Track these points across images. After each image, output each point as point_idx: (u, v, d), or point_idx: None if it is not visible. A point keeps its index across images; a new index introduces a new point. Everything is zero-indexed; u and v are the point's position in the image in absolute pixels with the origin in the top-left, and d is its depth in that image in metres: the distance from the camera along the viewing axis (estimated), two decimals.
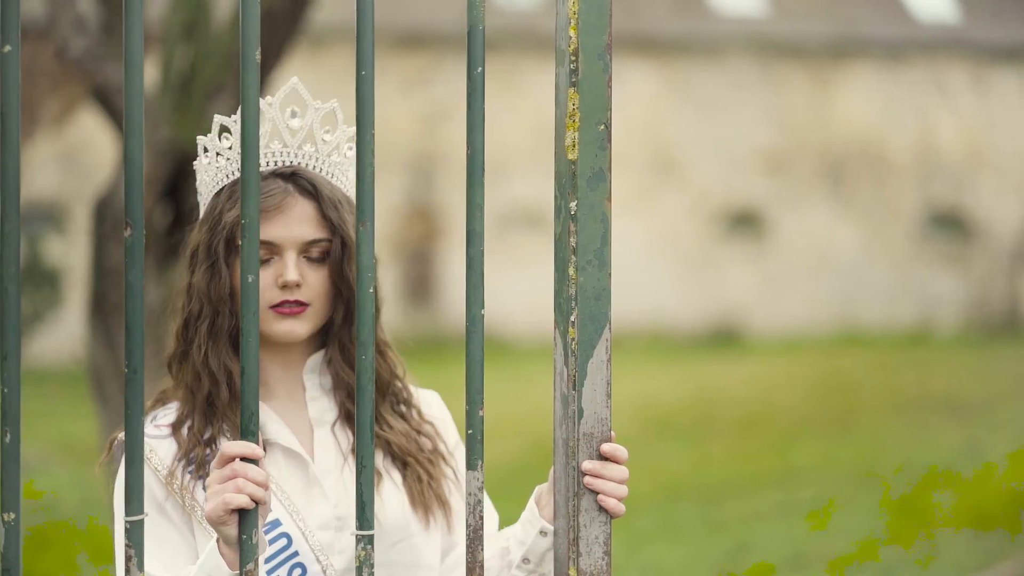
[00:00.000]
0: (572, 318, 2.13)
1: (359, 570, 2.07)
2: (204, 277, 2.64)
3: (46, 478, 10.73)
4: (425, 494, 2.67)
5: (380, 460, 2.70)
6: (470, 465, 2.10)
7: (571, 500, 2.14)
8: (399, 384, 2.77)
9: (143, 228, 1.98)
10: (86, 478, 10.37)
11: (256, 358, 2.04)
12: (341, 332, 2.68)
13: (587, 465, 2.20)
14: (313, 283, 2.62)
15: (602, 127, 2.14)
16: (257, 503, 2.13)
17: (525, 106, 23.50)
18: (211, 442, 2.62)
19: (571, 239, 2.13)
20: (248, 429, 2.05)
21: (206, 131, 6.82)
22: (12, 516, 1.89)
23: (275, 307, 2.60)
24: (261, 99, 2.55)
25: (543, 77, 23.88)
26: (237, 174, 2.67)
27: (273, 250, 2.61)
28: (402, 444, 2.70)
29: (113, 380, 6.39)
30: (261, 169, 2.58)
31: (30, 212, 19.25)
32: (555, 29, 2.17)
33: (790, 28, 25.77)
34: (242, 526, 2.10)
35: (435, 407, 2.82)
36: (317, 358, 2.72)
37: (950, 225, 26.36)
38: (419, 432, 2.74)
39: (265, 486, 2.15)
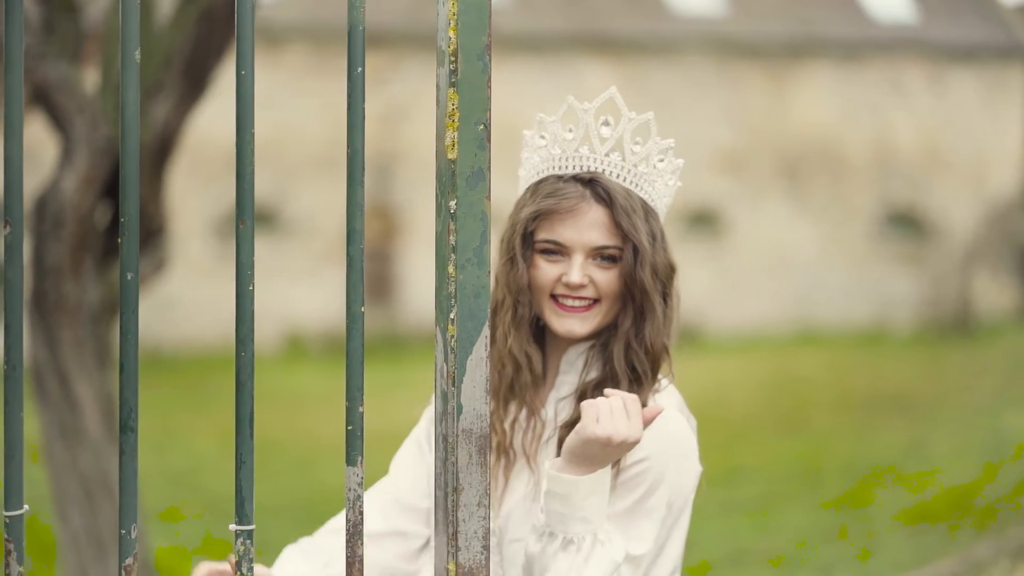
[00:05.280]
0: (452, 315, 2.15)
1: (238, 564, 2.08)
2: (504, 268, 2.82)
3: None
4: None
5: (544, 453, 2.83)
6: (349, 461, 2.12)
7: (450, 496, 2.16)
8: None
9: (22, 226, 2.00)
10: (30, 475, 10.32)
11: (135, 354, 2.06)
12: (628, 333, 2.81)
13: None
14: (603, 284, 2.78)
15: (481, 127, 2.17)
16: None
17: None
18: (514, 423, 2.85)
19: (451, 237, 2.15)
20: (127, 425, 2.07)
21: (147, 131, 6.78)
22: None
23: (557, 298, 2.79)
24: (577, 103, 2.80)
25: (502, 75, 23.89)
26: (546, 172, 2.84)
27: (563, 250, 2.78)
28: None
29: (53, 378, 6.38)
30: (564, 172, 2.82)
31: None
32: (436, 30, 2.19)
33: (748, 28, 25.83)
34: None
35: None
36: (581, 347, 2.86)
37: (907, 225, 26.45)
38: None
39: None
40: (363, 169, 2.12)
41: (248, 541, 2.08)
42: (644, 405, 2.76)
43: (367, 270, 23.47)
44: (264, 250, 22.68)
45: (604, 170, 2.82)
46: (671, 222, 24.70)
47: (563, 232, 2.78)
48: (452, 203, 2.15)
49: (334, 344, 21.71)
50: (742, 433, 13.23)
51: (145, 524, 6.32)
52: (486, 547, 2.17)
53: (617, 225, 2.78)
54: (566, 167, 2.84)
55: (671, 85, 25.18)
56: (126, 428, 2.07)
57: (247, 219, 2.09)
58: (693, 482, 2.79)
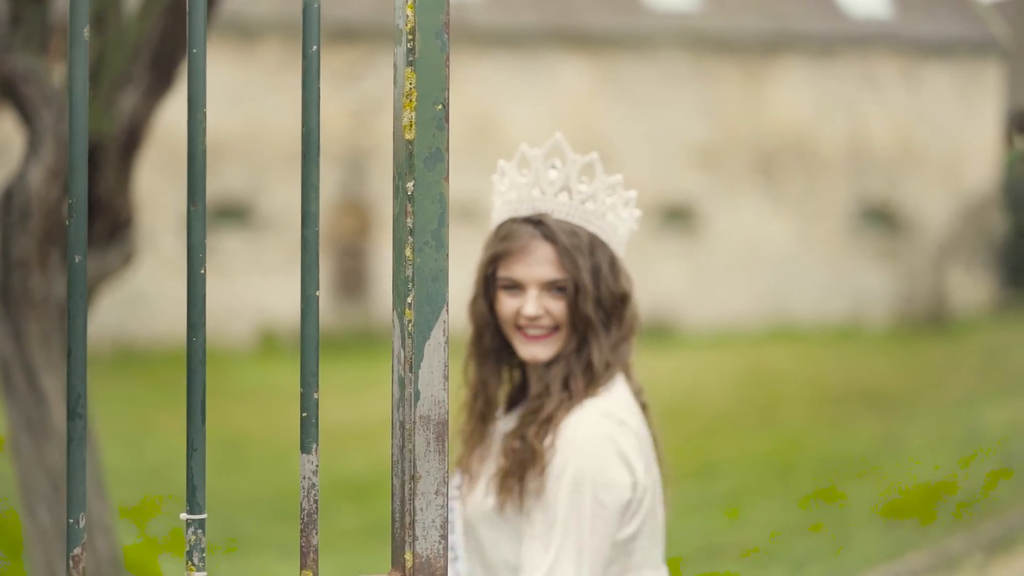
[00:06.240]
0: (409, 300, 2.10)
1: (189, 554, 2.03)
2: (471, 304, 3.18)
3: None
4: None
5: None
6: (304, 448, 2.07)
7: (407, 484, 2.12)
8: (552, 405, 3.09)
9: None
10: None
11: (84, 339, 2.01)
12: (571, 355, 3.09)
13: None
14: (557, 313, 3.08)
15: (439, 107, 2.12)
16: None
17: (459, 100, 23.44)
18: (468, 440, 3.21)
19: (408, 220, 2.10)
20: (75, 412, 2.02)
21: (114, 123, 6.72)
22: None
23: (521, 329, 3.10)
24: (528, 150, 3.12)
25: (478, 71, 23.85)
26: (506, 215, 3.15)
27: (520, 286, 3.10)
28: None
29: (19, 372, 6.32)
30: (518, 215, 3.13)
31: None
32: (394, 8, 2.14)
33: (722, 23, 25.82)
34: (69, 509, 2.06)
35: (566, 435, 3.04)
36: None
37: (881, 220, 26.48)
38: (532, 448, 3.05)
39: None
40: (318, 149, 2.08)
41: (200, 531, 2.03)
42: (556, 420, 3.06)
43: (342, 266, 23.41)
44: (238, 245, 22.62)
45: (552, 210, 3.12)
46: (646, 216, 24.75)
47: (517, 269, 3.10)
48: (410, 185, 2.10)
49: None
50: (716, 428, 13.22)
51: (115, 519, 6.27)
52: (444, 536, 2.13)
53: (561, 262, 3.08)
54: (520, 210, 3.14)
55: (646, 81, 25.17)
56: (74, 415, 2.02)
57: (198, 201, 2.04)
58: (590, 483, 2.99)
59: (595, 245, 3.11)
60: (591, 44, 25.04)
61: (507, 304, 3.12)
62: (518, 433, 3.07)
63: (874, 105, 26.33)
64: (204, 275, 2.05)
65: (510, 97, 24.28)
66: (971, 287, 26.44)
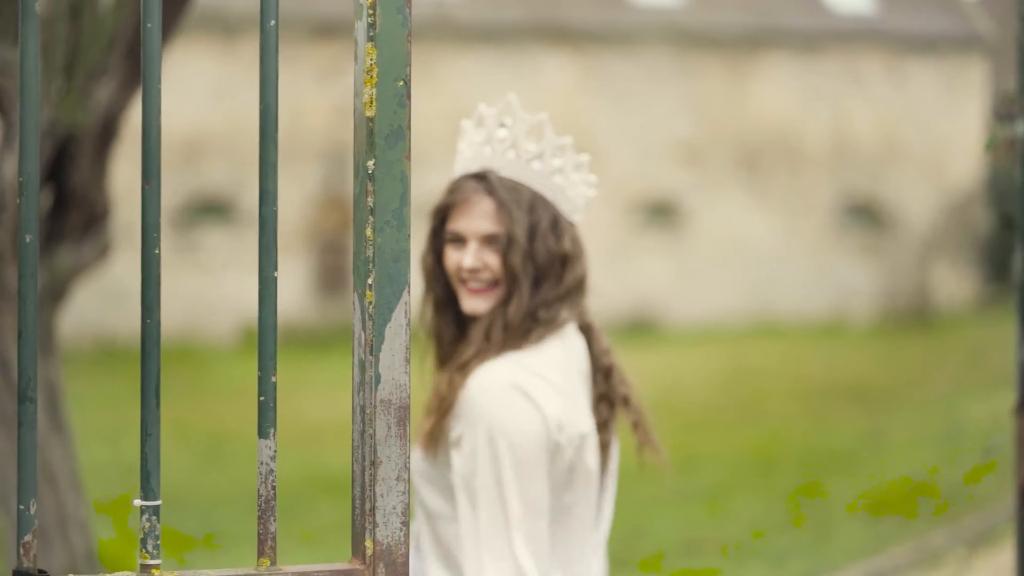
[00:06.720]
0: (369, 281, 2.06)
1: (143, 542, 1.98)
2: (423, 256, 3.23)
3: None
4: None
5: None
6: (262, 433, 2.02)
7: (367, 469, 2.07)
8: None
9: None
10: None
11: (35, 321, 1.96)
12: (497, 309, 3.14)
13: None
14: (494, 267, 3.12)
15: (401, 83, 2.07)
16: None
17: (442, 95, 23.40)
18: None
19: (369, 199, 2.05)
20: (26, 395, 1.97)
21: (89, 114, 6.67)
22: None
23: (464, 283, 3.14)
24: (485, 109, 3.20)
25: (461, 66, 23.80)
26: (460, 172, 3.22)
27: (462, 239, 3.14)
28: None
29: None
30: (467, 172, 3.19)
31: None
32: None
33: (707, 19, 25.79)
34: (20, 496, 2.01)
35: (472, 383, 3.08)
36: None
37: (865, 216, 26.47)
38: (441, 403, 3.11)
39: None
40: (276, 126, 2.03)
41: (154, 517, 1.98)
42: (470, 369, 3.10)
43: (324, 262, 23.36)
44: (220, 241, 22.56)
45: (499, 167, 3.16)
46: (629, 213, 24.75)
47: (459, 222, 3.15)
48: (370, 163, 2.05)
49: (291, 336, 21.58)
50: (698, 423, 13.20)
51: (90, 514, 6.23)
52: (405, 523, 2.08)
53: (500, 215, 3.12)
54: (471, 167, 3.20)
55: (630, 76, 25.14)
56: (25, 399, 1.97)
57: (153, 180, 1.99)
58: (489, 436, 3.02)
59: (537, 203, 3.14)
60: (575, 39, 25.00)
61: (451, 257, 3.17)
62: (437, 382, 3.14)
63: (858, 101, 26.31)
64: (159, 255, 2.00)
65: (493, 92, 24.12)
66: (955, 283, 26.44)
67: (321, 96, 23.09)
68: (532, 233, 3.12)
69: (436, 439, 3.08)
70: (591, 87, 25.05)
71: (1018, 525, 3.90)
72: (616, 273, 24.61)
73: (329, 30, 23.19)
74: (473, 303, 3.15)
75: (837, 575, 7.82)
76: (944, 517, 9.09)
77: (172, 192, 22.06)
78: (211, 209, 22.62)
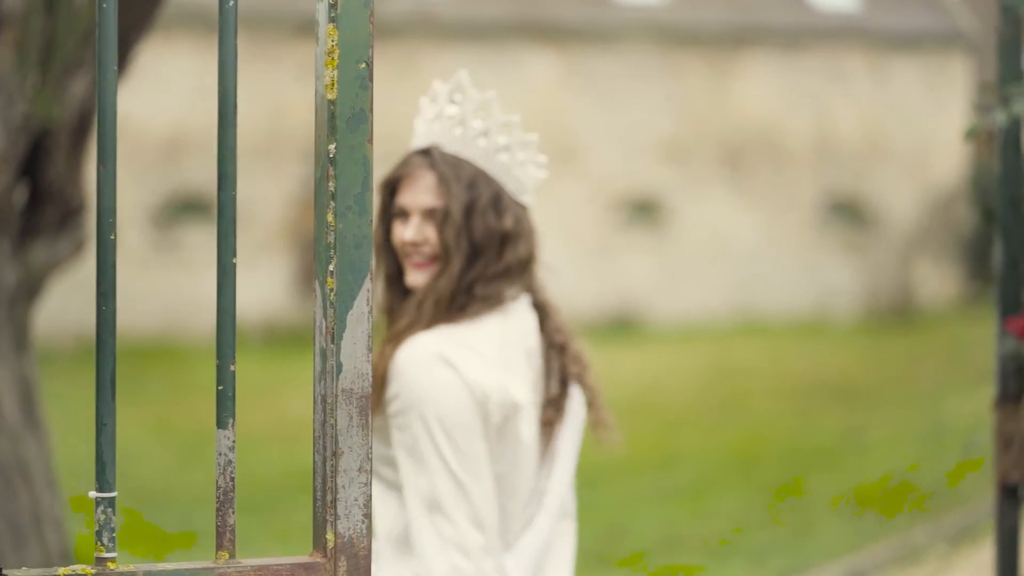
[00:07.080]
0: (331, 267, 2.01)
1: (98, 535, 1.93)
2: (373, 230, 3.12)
3: None
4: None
5: None
6: (220, 424, 1.98)
7: (328, 460, 2.02)
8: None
9: None
10: None
11: None
12: (431, 282, 3.16)
13: None
14: (434, 241, 3.14)
15: (363, 65, 2.02)
16: None
17: (424, 92, 23.37)
18: None
19: (330, 184, 2.01)
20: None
21: (64, 109, 6.62)
22: None
23: (408, 257, 3.18)
24: (439, 86, 3.26)
25: (444, 63, 23.75)
26: (416, 146, 3.24)
27: (406, 213, 3.18)
28: None
29: None
30: (417, 147, 3.22)
31: None
32: None
33: (690, 17, 25.77)
34: None
35: (399, 354, 3.10)
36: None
37: (848, 213, 26.47)
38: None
39: None
40: (235, 109, 1.98)
41: (109, 509, 1.93)
42: (400, 340, 3.13)
43: (305, 260, 23.32)
44: (201, 239, 22.50)
45: (445, 143, 3.19)
46: (612, 211, 24.72)
47: (404, 196, 3.19)
48: (331, 147, 2.01)
49: (273, 334, 21.53)
50: (681, 421, 13.17)
51: (66, 512, 6.18)
52: (367, 515, 2.03)
53: (440, 189, 3.15)
54: (421, 142, 3.23)
55: (613, 74, 25.11)
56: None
57: (108, 163, 1.95)
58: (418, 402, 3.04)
59: (478, 179, 3.17)
60: (558, 37, 24.96)
61: (397, 231, 3.21)
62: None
63: (841, 98, 26.30)
64: (114, 241, 1.96)
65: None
66: (938, 280, 26.45)
67: (303, 94, 23.02)
68: (470, 209, 3.15)
69: (375, 411, 3.10)
70: (574, 85, 25.01)
71: (998, 521, 3.87)
72: (599, 271, 24.60)
73: (311, 28, 23.12)
74: (414, 276, 3.18)
75: (818, 572, 7.80)
76: (925, 514, 9.07)
77: (152, 190, 21.99)
78: (192, 207, 22.54)
